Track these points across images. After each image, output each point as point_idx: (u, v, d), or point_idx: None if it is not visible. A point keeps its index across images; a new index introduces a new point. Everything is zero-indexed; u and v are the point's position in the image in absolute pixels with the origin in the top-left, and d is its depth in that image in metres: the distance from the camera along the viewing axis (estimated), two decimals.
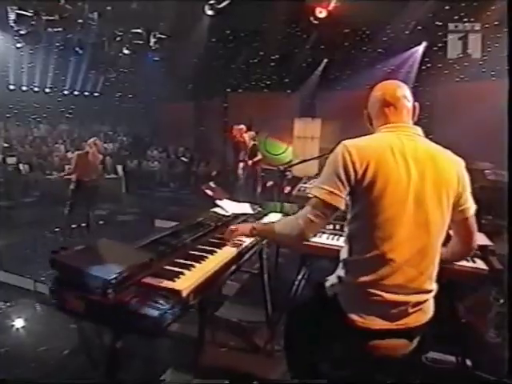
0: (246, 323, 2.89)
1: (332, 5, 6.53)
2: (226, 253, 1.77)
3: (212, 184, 2.54)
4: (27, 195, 8.42)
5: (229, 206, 2.17)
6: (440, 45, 6.68)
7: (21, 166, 9.31)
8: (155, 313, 1.25)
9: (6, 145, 10.47)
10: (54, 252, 1.41)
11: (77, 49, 11.84)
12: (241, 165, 5.96)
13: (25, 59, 12.01)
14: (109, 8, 9.32)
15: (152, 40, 9.96)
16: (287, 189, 7.66)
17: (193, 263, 1.58)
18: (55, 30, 8.51)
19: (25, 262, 4.23)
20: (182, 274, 1.47)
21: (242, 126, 5.87)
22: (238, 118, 10.69)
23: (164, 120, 13.05)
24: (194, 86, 12.01)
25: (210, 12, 8.21)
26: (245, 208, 2.29)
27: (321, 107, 9.81)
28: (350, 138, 1.37)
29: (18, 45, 10.79)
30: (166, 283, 1.38)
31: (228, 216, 2.15)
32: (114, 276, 1.27)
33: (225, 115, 10.93)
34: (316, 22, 6.85)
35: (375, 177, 1.28)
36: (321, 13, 6.66)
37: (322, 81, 9.32)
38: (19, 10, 7.90)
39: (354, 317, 1.35)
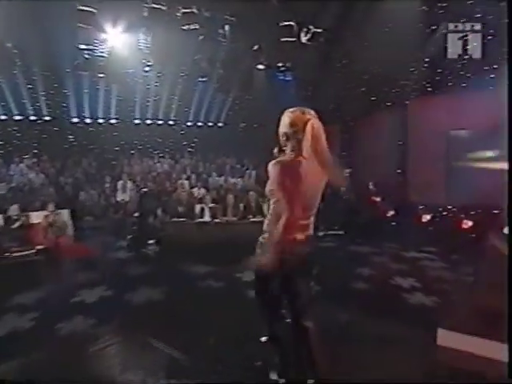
0: None
1: None
2: None
3: None
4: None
5: None
6: None
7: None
8: None
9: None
10: None
11: (204, 76, 10.47)
12: None
13: (151, 91, 11.03)
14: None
15: (303, 37, 7.67)
16: None
17: None
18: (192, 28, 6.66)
19: None
20: None
21: None
22: (421, 132, 7.60)
23: None
24: (338, 105, 9.35)
25: None
26: None
27: None
28: None
29: (147, 68, 9.72)
30: None
31: None
32: None
33: (404, 132, 7.78)
34: None
35: None
36: None
37: None
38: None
39: None
